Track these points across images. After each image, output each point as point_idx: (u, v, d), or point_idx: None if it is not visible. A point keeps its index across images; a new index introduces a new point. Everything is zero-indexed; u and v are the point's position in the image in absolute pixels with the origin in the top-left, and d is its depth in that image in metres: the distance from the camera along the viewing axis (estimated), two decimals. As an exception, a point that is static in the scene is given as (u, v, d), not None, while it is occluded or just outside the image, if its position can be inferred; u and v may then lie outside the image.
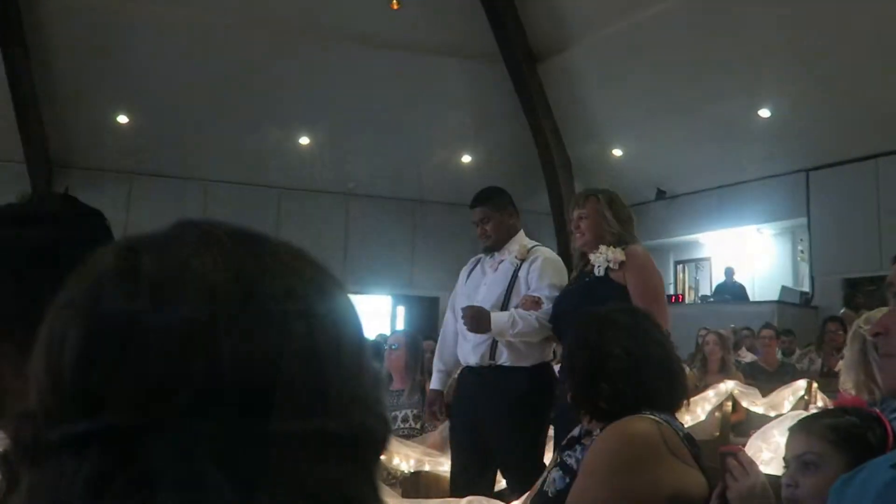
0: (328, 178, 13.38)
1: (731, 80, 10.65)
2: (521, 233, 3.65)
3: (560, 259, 3.56)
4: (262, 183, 13.17)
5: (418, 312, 13.68)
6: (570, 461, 1.94)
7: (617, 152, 13.07)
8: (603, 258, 3.13)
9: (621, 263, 3.10)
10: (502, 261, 3.55)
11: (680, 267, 14.10)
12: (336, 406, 0.45)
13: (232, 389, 0.42)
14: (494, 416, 3.32)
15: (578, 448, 1.95)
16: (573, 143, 13.06)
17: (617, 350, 1.87)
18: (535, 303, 3.35)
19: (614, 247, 3.14)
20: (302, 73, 11.91)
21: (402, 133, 12.72)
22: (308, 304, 0.46)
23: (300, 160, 13.14)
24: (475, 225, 3.62)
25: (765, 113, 11.13)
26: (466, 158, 13.65)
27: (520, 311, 3.34)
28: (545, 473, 2.07)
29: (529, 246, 3.56)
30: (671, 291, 13.43)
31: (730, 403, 5.60)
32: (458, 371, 3.71)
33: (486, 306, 3.38)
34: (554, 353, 3.66)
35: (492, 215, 3.58)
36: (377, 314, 13.52)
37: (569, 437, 2.05)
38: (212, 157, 12.62)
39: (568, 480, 1.90)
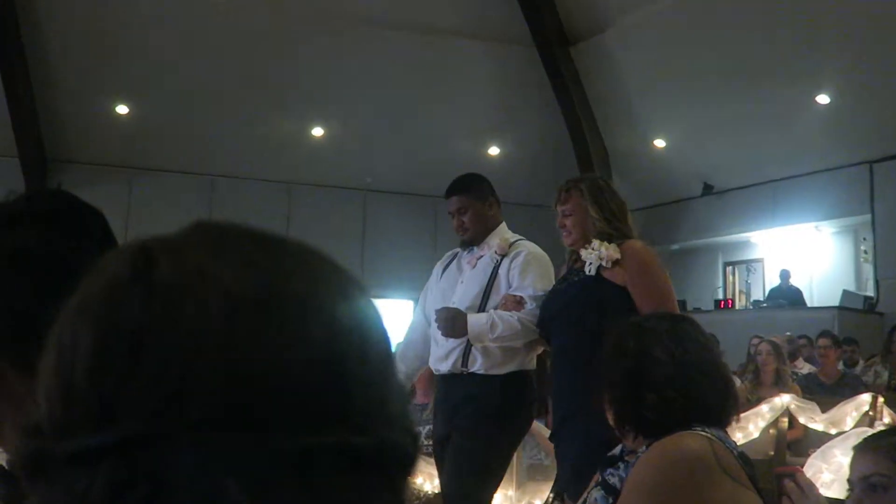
0: (344, 172, 13.43)
1: (785, 63, 10.55)
2: (503, 225, 3.57)
3: (546, 255, 3.44)
4: (273, 178, 13.25)
5: (442, 319, 13.66)
6: (613, 480, 1.94)
7: (659, 143, 13.00)
8: (595, 255, 2.97)
9: (616, 262, 2.95)
10: (481, 256, 3.45)
11: (730, 269, 13.99)
12: (359, 419, 0.46)
13: (250, 399, 0.43)
14: (462, 431, 3.26)
15: (622, 466, 1.94)
16: (611, 134, 13.00)
17: (660, 355, 1.86)
18: (518, 303, 3.25)
19: (607, 242, 2.99)
20: (315, 59, 11.97)
21: (424, 123, 12.74)
22: (330, 309, 0.47)
23: (313, 153, 13.20)
24: (451, 216, 3.52)
25: (823, 99, 11.01)
26: (494, 150, 13.64)
27: (500, 312, 3.24)
28: (584, 493, 2.06)
29: (512, 240, 3.46)
30: (720, 296, 13.35)
31: (786, 419, 5.56)
32: (417, 375, 3.69)
33: (463, 307, 3.31)
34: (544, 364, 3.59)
35: (470, 205, 3.48)
36: (398, 320, 13.54)
37: (609, 455, 2.05)
38: (218, 150, 12.72)
39: (611, 501, 1.90)
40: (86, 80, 11.73)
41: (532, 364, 3.42)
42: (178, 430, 0.42)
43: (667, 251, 14.22)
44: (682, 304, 12.09)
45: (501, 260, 3.38)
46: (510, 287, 3.31)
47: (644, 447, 1.87)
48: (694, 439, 1.78)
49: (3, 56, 11.17)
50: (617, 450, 2.04)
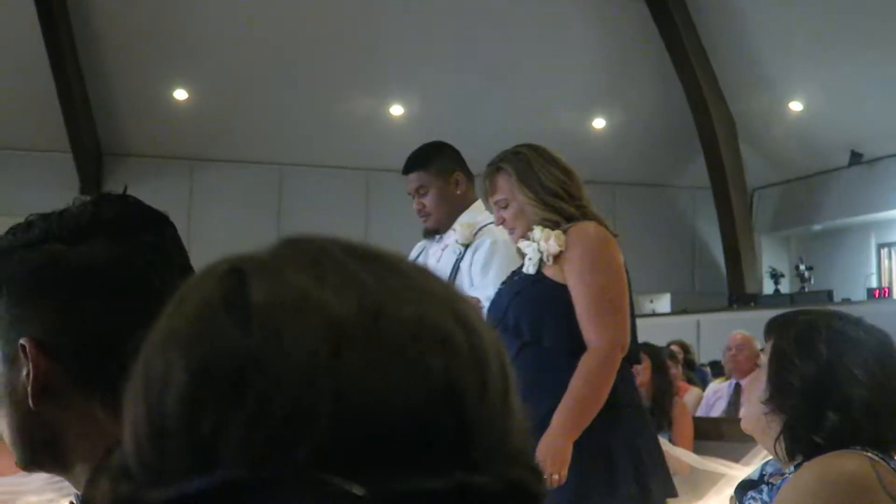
0: (427, 154, 13.50)
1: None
2: (477, 205, 3.26)
3: None
4: (349, 165, 13.41)
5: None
6: (756, 504, 1.90)
7: (795, 106, 12.68)
8: (533, 249, 2.65)
9: (557, 256, 2.62)
10: (446, 247, 3.25)
11: (884, 252, 13.60)
12: (479, 456, 0.46)
13: (362, 437, 0.44)
14: None
15: (765, 489, 1.90)
16: (737, 97, 12.76)
17: (857, 371, 1.78)
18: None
19: (551, 229, 2.66)
20: (393, 26, 12.05)
21: (517, 94, 12.68)
22: (444, 333, 0.48)
23: (393, 135, 13.30)
24: (411, 197, 3.31)
25: None
26: (599, 123, 13.52)
27: None
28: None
29: (478, 224, 3.18)
30: (873, 284, 12.96)
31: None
32: None
33: None
34: None
35: (430, 183, 3.24)
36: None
37: (746, 479, 2.01)
38: (287, 136, 12.93)
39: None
40: (139, 64, 12.05)
41: None
42: (287, 474, 0.43)
43: (808, 232, 13.89)
44: (829, 294, 11.76)
45: (465, 251, 3.16)
46: (472, 285, 3.06)
47: (791, 468, 1.82)
48: (853, 459, 1.73)
49: (53, 44, 11.55)
50: (755, 473, 1.99)
